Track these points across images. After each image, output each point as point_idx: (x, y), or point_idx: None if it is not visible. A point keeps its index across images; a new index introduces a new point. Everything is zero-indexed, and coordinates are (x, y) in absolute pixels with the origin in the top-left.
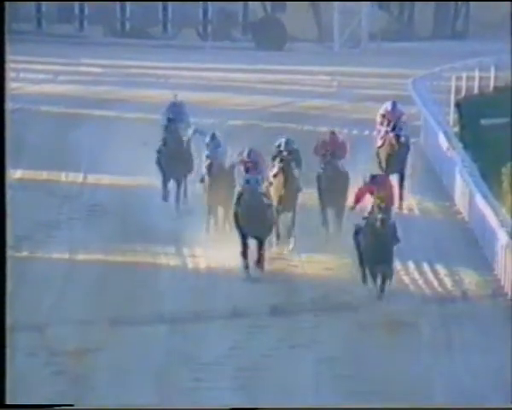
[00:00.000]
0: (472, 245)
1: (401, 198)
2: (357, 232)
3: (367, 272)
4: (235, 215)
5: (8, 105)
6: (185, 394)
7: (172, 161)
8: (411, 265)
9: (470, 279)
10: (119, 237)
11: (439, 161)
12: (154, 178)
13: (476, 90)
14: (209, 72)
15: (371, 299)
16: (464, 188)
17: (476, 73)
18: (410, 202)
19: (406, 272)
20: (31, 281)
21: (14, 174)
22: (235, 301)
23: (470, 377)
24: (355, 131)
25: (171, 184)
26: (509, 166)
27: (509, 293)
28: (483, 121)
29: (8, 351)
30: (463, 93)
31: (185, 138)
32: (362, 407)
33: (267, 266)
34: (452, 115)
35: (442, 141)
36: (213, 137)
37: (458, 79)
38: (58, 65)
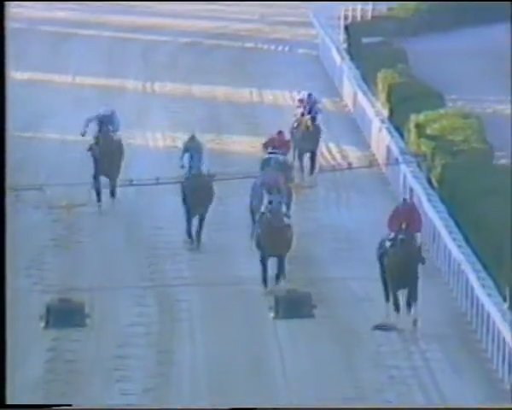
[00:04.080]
0: (355, 129)
1: (312, 172)
2: (382, 254)
3: (390, 292)
4: (257, 235)
5: (14, 25)
6: None
7: (104, 158)
8: None
9: (354, 154)
10: None
11: (332, 68)
12: (127, 79)
13: (359, 18)
14: (162, 3)
15: None
16: (350, 88)
17: (359, 6)
18: None
19: None
20: (32, 154)
21: (21, 76)
22: None
23: (353, 222)
24: (272, 47)
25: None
26: (382, 71)
27: (381, 164)
28: (364, 40)
29: (20, 204)
30: (350, 20)
31: (116, 138)
32: (362, 407)
33: None
34: (342, 36)
35: (334, 54)
36: (192, 139)
37: (346, 10)
38: None
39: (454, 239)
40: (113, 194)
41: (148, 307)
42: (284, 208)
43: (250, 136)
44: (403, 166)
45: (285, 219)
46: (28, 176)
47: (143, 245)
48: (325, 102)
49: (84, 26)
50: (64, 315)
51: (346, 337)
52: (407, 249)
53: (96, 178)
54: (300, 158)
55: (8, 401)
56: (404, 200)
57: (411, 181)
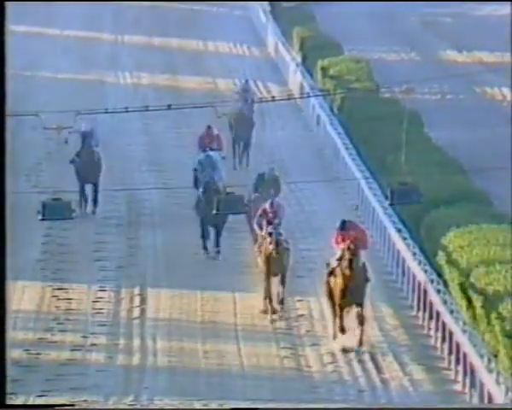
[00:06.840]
0: (276, 71)
1: (247, 163)
2: (329, 274)
3: (337, 312)
4: (263, 260)
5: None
6: None
7: (86, 169)
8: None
9: (275, 89)
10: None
11: (259, 25)
12: (103, 33)
13: None
14: None
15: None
16: (273, 40)
17: None
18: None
19: None
20: (31, 88)
21: (18, 28)
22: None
23: (274, 141)
24: (214, 9)
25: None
26: (297, 28)
27: (296, 97)
28: (284, 4)
29: (15, 123)
30: None
31: (96, 151)
32: (361, 407)
33: None
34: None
35: (261, 15)
36: (208, 156)
37: None
38: None
39: (350, 154)
40: (95, 202)
41: (119, 204)
42: (282, 235)
43: (197, 76)
44: (312, 99)
45: (284, 244)
46: (28, 104)
47: (115, 157)
48: (254, 51)
49: None
50: (56, 210)
51: None
52: (352, 269)
53: (81, 188)
54: (238, 144)
55: (8, 400)
56: (343, 221)
57: (318, 110)
